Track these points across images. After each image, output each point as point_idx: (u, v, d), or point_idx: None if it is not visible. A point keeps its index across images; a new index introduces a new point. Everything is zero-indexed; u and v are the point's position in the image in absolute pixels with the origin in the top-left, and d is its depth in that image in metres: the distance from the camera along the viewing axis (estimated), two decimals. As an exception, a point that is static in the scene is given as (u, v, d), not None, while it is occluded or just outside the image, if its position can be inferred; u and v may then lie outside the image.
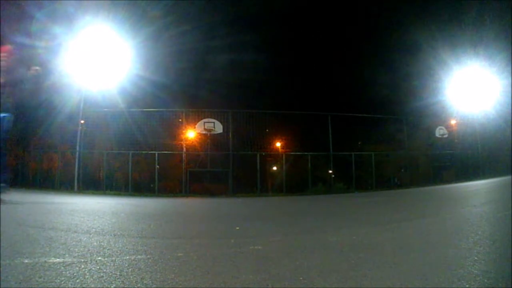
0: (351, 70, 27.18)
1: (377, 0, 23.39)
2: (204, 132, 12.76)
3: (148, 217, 3.23)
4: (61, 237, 1.89)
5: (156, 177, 12.51)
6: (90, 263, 1.35)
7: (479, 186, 7.76)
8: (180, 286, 1.13)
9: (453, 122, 15.65)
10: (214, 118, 12.64)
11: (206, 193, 11.62)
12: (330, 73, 26.70)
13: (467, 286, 1.11)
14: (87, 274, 1.22)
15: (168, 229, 2.61)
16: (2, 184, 3.71)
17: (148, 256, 1.51)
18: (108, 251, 1.59)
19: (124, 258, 1.47)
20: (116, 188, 13.54)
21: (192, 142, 14.39)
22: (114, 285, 1.12)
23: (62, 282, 1.12)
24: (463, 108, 15.05)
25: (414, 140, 14.97)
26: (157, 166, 12.60)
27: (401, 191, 10.99)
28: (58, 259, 1.39)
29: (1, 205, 3.37)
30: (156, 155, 12.48)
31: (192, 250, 1.67)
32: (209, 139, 13.14)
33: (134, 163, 12.89)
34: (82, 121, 12.20)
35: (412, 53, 18.13)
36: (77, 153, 11.94)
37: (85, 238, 1.89)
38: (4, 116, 3.75)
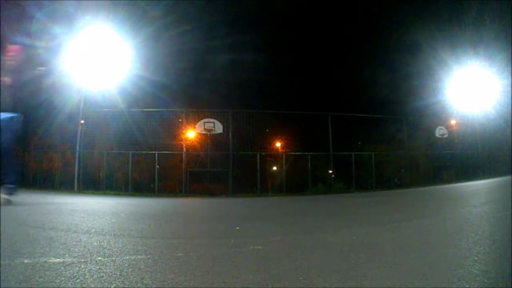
0: (351, 70, 27.22)
1: (377, 0, 23.40)
2: (204, 132, 12.76)
3: (148, 217, 3.23)
4: (61, 237, 1.89)
5: (156, 177, 12.52)
6: (90, 263, 1.35)
7: (479, 186, 7.76)
8: (180, 286, 1.13)
9: (453, 122, 15.66)
10: (214, 118, 12.65)
11: (206, 193, 11.63)
12: (330, 73, 26.76)
13: (467, 286, 1.10)
14: (87, 274, 1.22)
15: (168, 229, 2.61)
16: (11, 186, 3.68)
17: (148, 256, 1.51)
18: (108, 251, 1.59)
19: (124, 258, 1.47)
20: (116, 188, 13.55)
21: (192, 142, 14.40)
22: (114, 285, 1.12)
23: (62, 282, 1.12)
24: (463, 108, 15.05)
25: (414, 140, 14.98)
26: (157, 166, 12.61)
27: (401, 191, 10.99)
28: (58, 259, 1.39)
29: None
30: (156, 155, 12.49)
31: (192, 250, 1.67)
32: (209, 139, 13.15)
33: (134, 163, 12.90)
34: (82, 121, 12.22)
35: (412, 53, 18.17)
36: (77, 153, 11.95)
37: (85, 238, 1.89)
38: (13, 116, 3.72)
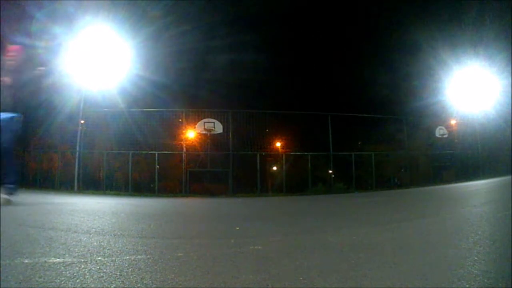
0: (351, 70, 27.23)
1: (377, 0, 23.41)
2: (204, 132, 12.76)
3: (148, 217, 3.23)
4: (61, 237, 1.89)
5: (156, 177, 12.52)
6: (90, 263, 1.35)
7: (479, 186, 7.76)
8: (180, 286, 1.13)
9: (453, 122, 15.66)
10: (214, 118, 12.65)
11: (206, 193, 11.63)
12: (330, 73, 26.76)
13: (467, 286, 1.10)
14: (87, 274, 1.22)
15: (168, 229, 2.61)
16: (11, 186, 3.67)
17: (148, 256, 1.51)
18: (108, 251, 1.59)
19: (124, 258, 1.47)
20: (116, 188, 13.55)
21: (192, 142, 14.40)
22: (114, 285, 1.12)
23: (62, 282, 1.12)
24: (463, 108, 15.05)
25: (414, 140, 14.98)
26: (157, 166, 12.61)
27: (401, 191, 10.99)
28: (58, 259, 1.39)
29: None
30: (156, 155, 12.49)
31: (192, 250, 1.67)
32: (209, 139, 13.15)
33: (134, 163, 12.90)
34: (82, 121, 12.22)
35: (412, 53, 18.17)
36: (77, 153, 11.95)
37: (85, 238, 1.89)
38: (13, 116, 3.70)
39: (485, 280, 1.15)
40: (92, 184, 12.79)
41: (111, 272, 1.24)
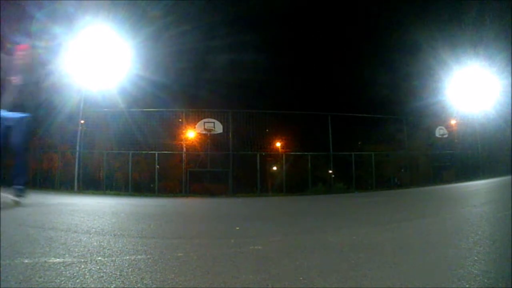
0: (351, 70, 27.23)
1: (377, 0, 23.41)
2: (204, 132, 12.76)
3: (148, 217, 3.23)
4: (61, 237, 1.89)
5: (156, 177, 12.52)
6: (90, 263, 1.35)
7: (479, 186, 7.76)
8: (180, 286, 1.13)
9: (453, 122, 15.66)
10: (214, 118, 12.64)
11: (206, 193, 11.63)
12: (330, 73, 26.76)
13: (467, 286, 1.10)
14: (87, 274, 1.22)
15: (168, 229, 2.61)
16: (20, 188, 3.64)
17: (148, 256, 1.51)
18: (108, 251, 1.59)
19: (124, 258, 1.47)
20: (116, 188, 13.55)
21: (192, 142, 14.40)
22: (114, 285, 1.12)
23: (62, 282, 1.12)
24: (463, 108, 15.05)
25: (414, 140, 14.98)
26: (157, 166, 12.61)
27: (401, 191, 10.99)
28: (58, 259, 1.39)
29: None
30: (156, 155, 12.48)
31: (192, 250, 1.67)
32: (209, 139, 13.15)
33: (134, 163, 12.90)
34: (82, 121, 12.22)
35: (412, 53, 18.18)
36: (77, 153, 11.95)
37: (85, 238, 1.89)
38: (23, 117, 3.66)
39: (485, 280, 1.15)
40: (92, 184, 12.79)
41: (111, 272, 1.24)
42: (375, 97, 21.23)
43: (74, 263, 1.34)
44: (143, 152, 13.12)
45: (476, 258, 1.42)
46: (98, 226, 2.37)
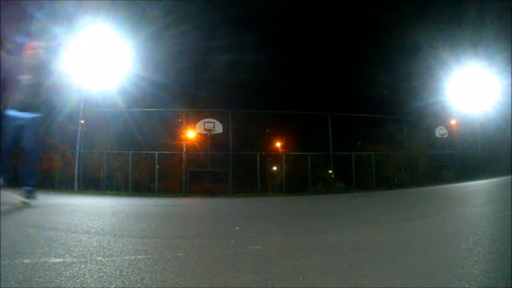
0: (351, 70, 27.22)
1: (377, 0, 23.42)
2: (204, 132, 12.76)
3: (148, 217, 3.23)
4: (61, 237, 1.89)
5: (156, 177, 12.51)
6: (90, 263, 1.35)
7: (479, 186, 7.76)
8: (180, 286, 1.13)
9: (453, 122, 15.66)
10: (214, 118, 12.64)
11: (206, 193, 11.62)
12: (330, 73, 26.75)
13: (467, 286, 1.11)
14: (87, 274, 1.22)
15: (168, 229, 2.61)
16: (30, 189, 3.60)
17: (148, 256, 1.51)
18: (108, 251, 1.59)
19: (124, 258, 1.47)
20: (116, 188, 13.54)
21: (192, 142, 14.39)
22: (114, 285, 1.12)
23: (62, 282, 1.12)
24: (463, 108, 15.04)
25: (414, 140, 14.97)
26: (157, 166, 12.60)
27: (401, 191, 10.99)
28: (58, 259, 1.39)
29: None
30: (156, 155, 12.48)
31: (192, 250, 1.67)
32: (209, 139, 13.14)
33: (134, 163, 12.89)
34: (82, 121, 12.21)
35: (412, 53, 18.17)
36: (77, 153, 11.94)
37: (85, 238, 1.89)
38: (36, 117, 3.62)
39: (485, 280, 1.15)
40: (92, 184, 12.78)
41: (111, 272, 1.24)
42: (375, 97, 21.24)
43: (74, 263, 1.34)
44: (143, 152, 13.11)
45: (476, 258, 1.42)
46: (98, 226, 2.37)
